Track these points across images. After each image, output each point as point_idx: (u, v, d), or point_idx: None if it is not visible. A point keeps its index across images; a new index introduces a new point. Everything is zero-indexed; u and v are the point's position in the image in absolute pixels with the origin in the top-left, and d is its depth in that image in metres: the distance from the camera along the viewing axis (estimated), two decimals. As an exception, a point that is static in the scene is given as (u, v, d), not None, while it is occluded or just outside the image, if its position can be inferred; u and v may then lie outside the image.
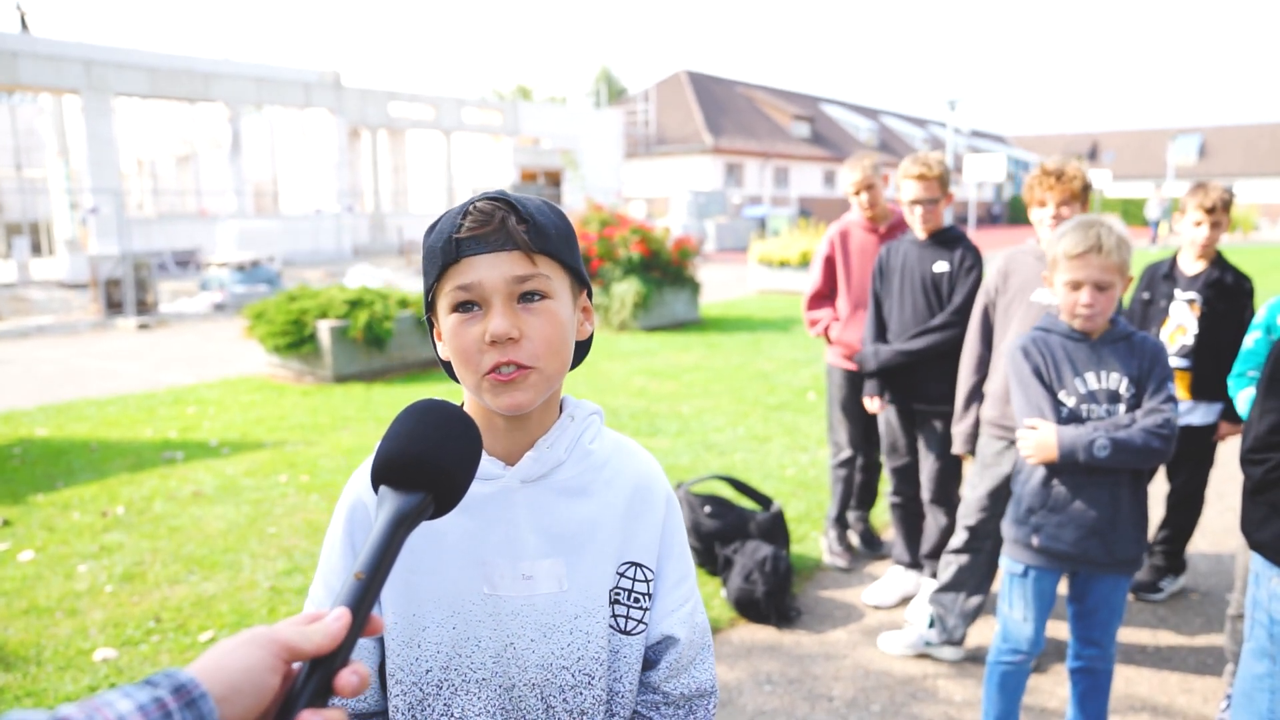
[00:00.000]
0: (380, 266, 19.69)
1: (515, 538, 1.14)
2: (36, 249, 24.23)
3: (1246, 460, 2.10)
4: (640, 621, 1.20)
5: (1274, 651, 2.03)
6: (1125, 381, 2.47)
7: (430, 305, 1.15)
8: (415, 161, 32.81)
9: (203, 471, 5.75)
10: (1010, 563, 2.63)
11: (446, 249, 1.08)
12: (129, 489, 5.40)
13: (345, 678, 0.73)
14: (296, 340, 8.63)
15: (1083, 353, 2.51)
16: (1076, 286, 2.46)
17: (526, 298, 1.09)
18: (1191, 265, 3.91)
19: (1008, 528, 2.65)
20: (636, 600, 1.20)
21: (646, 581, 1.21)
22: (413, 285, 15.55)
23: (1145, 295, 4.02)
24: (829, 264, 4.37)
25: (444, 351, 1.17)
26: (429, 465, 0.86)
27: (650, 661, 1.24)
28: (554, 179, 34.54)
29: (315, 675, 0.72)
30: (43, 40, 20.77)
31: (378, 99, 27.80)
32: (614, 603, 1.19)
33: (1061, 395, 2.50)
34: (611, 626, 1.18)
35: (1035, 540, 2.54)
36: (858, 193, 4.20)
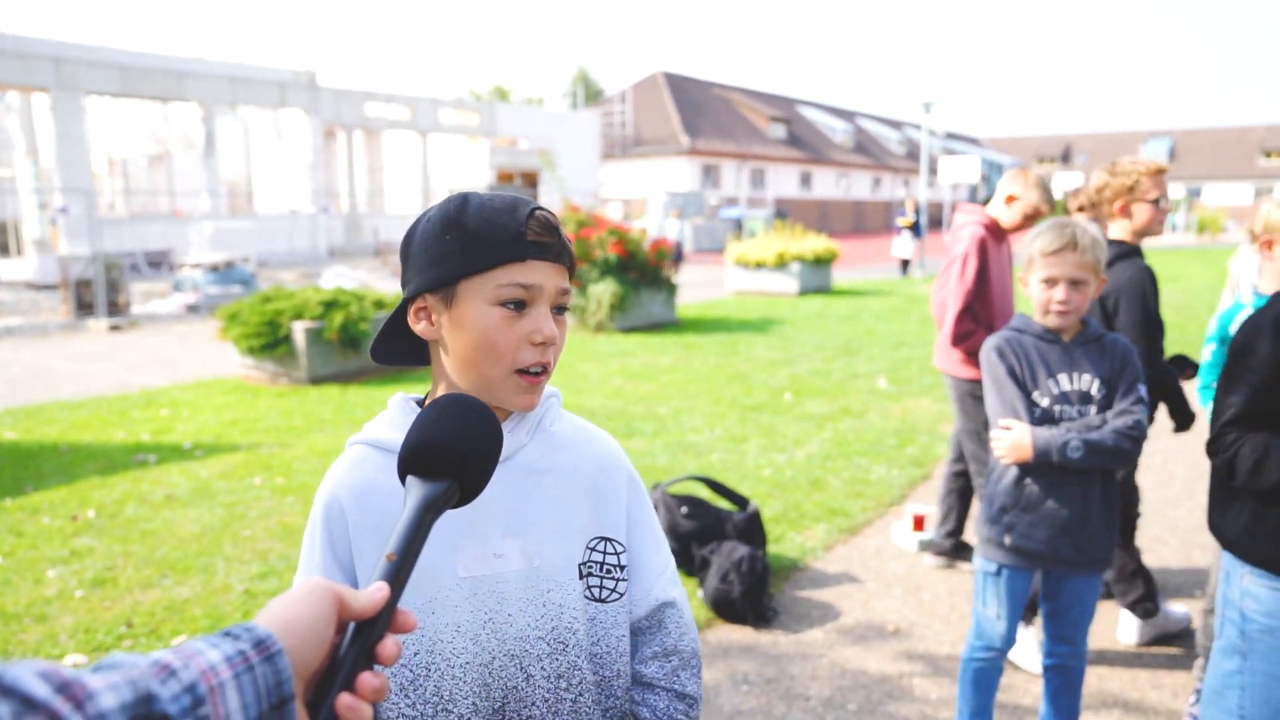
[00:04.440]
0: (356, 268, 19.59)
1: (483, 519, 1.18)
2: (4, 249, 23.86)
3: (1208, 450, 2.16)
4: (615, 590, 1.25)
5: (1244, 648, 2.06)
6: (1097, 383, 2.51)
7: (440, 286, 1.15)
8: (391, 162, 32.62)
9: (176, 474, 5.69)
10: (983, 562, 2.66)
11: (515, 245, 1.12)
12: (100, 492, 5.34)
13: (387, 646, 0.76)
14: (271, 342, 8.56)
15: (1056, 354, 2.54)
16: (1052, 283, 2.50)
17: (558, 309, 1.18)
18: None
19: (981, 527, 2.67)
20: (609, 571, 1.25)
21: (617, 554, 1.26)
22: (389, 286, 15.46)
23: None
24: (980, 273, 3.93)
25: (429, 333, 1.18)
26: (454, 454, 0.90)
27: (654, 629, 1.29)
28: (531, 180, 34.47)
29: (359, 640, 0.75)
30: (10, 36, 20.47)
31: (353, 99, 27.64)
32: (587, 575, 1.23)
33: (1035, 396, 2.53)
34: (587, 596, 1.23)
35: (1008, 539, 2.57)
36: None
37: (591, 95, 60.45)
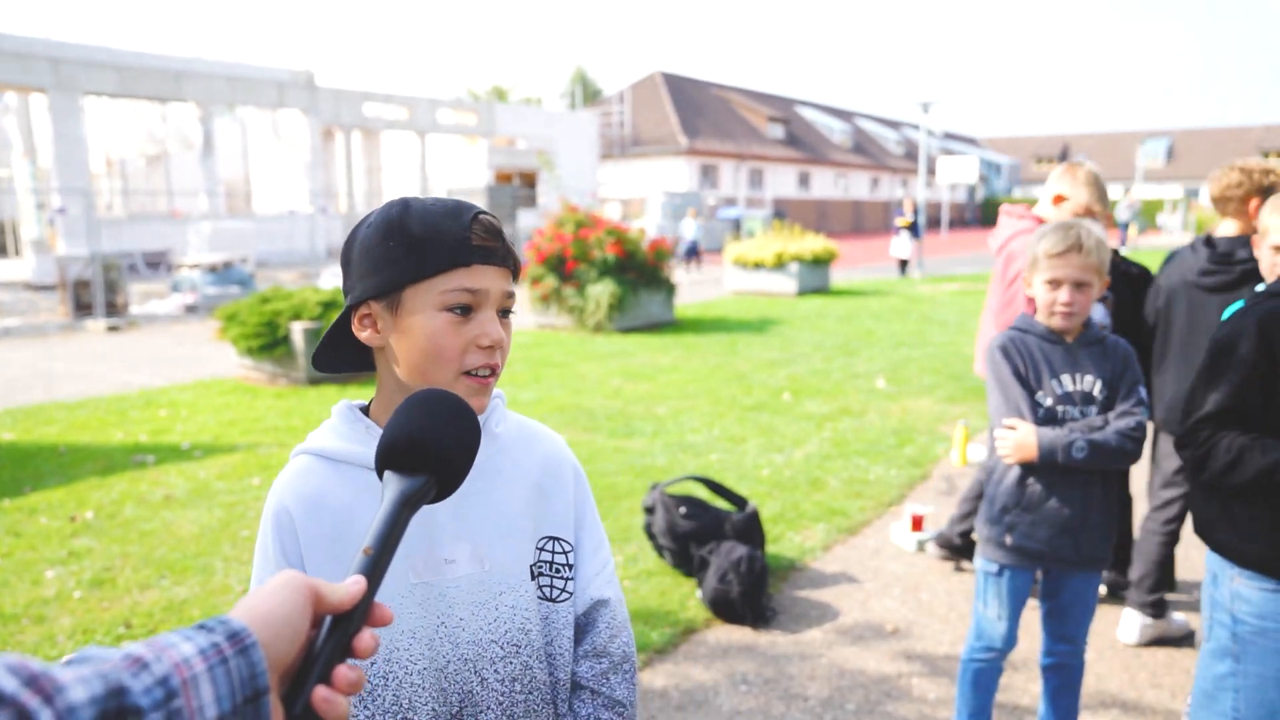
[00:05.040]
0: (354, 268, 19.50)
1: (432, 524, 1.18)
2: (2, 250, 23.84)
3: (1178, 443, 2.15)
4: (564, 590, 1.28)
5: (1237, 651, 2.05)
6: (1099, 384, 2.51)
7: (385, 293, 1.14)
8: (390, 162, 32.57)
9: (174, 475, 5.69)
10: (984, 562, 2.66)
11: (460, 250, 1.12)
12: (98, 493, 5.33)
13: (365, 639, 0.76)
14: (269, 342, 8.55)
15: (1059, 354, 2.55)
16: (1056, 285, 2.50)
17: (503, 313, 1.19)
18: None
19: (981, 527, 2.67)
20: (558, 571, 1.28)
21: (565, 553, 1.29)
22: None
23: None
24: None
25: (375, 340, 1.18)
26: (433, 448, 0.89)
27: (587, 627, 1.30)
28: (529, 180, 34.45)
29: (336, 634, 0.75)
30: (8, 37, 20.43)
31: (352, 99, 27.60)
32: (538, 576, 1.26)
33: (1039, 396, 2.54)
34: (540, 597, 1.25)
35: (1009, 539, 2.57)
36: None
37: (590, 95, 60.41)
